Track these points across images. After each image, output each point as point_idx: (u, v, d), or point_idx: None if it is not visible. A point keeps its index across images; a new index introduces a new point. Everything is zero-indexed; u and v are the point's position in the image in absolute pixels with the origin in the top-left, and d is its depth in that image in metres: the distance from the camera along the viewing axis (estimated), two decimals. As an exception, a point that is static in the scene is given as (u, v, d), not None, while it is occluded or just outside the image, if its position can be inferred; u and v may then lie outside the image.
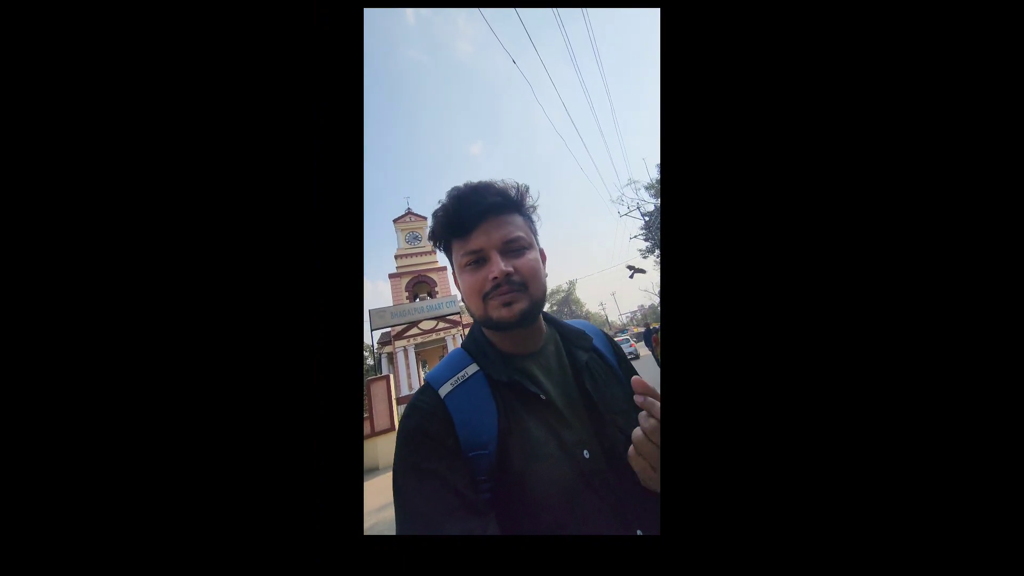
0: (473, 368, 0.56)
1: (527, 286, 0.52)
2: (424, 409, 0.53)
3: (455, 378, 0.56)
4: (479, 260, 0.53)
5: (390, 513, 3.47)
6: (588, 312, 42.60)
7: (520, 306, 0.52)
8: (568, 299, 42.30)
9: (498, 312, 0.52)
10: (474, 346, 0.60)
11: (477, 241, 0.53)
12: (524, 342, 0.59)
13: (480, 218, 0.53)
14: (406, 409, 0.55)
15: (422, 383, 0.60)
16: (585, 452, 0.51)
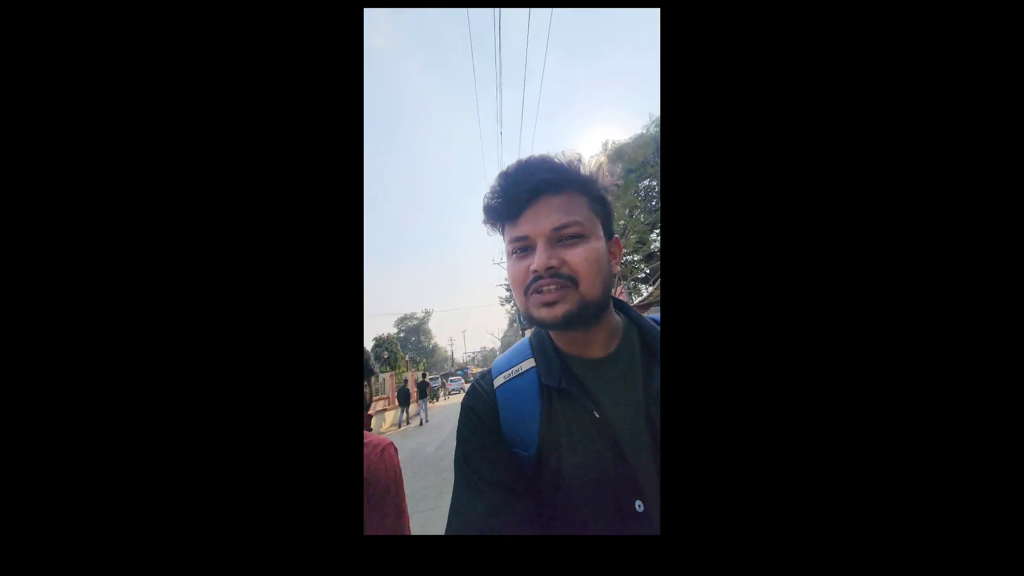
0: (529, 364, 0.52)
1: (577, 282, 0.44)
2: (479, 393, 0.53)
3: (510, 371, 0.52)
4: (526, 248, 0.47)
5: None
6: (436, 345, 42.19)
7: (564, 308, 0.44)
8: (419, 328, 40.97)
9: (538, 312, 0.46)
10: (535, 340, 0.54)
11: (524, 226, 0.46)
12: (587, 345, 0.50)
13: (530, 198, 0.46)
14: (469, 387, 0.55)
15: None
16: (638, 504, 0.42)
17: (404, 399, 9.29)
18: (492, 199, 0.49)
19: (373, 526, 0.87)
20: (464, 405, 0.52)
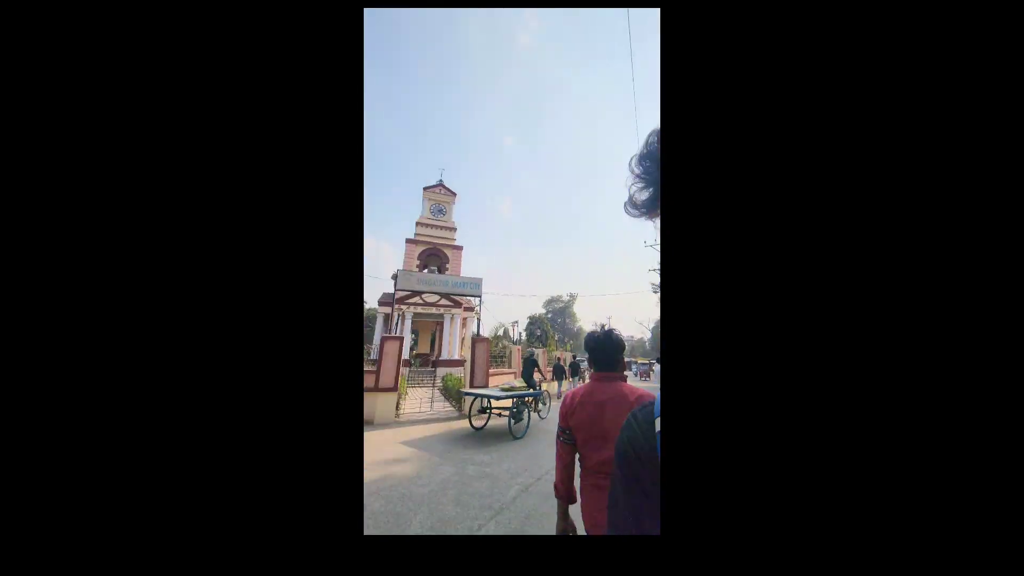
0: None
1: None
2: (635, 426, 0.45)
3: None
4: None
5: (382, 470, 3.54)
6: (580, 328, 42.84)
7: None
8: (566, 311, 42.48)
9: None
10: None
11: None
12: None
13: None
14: (629, 415, 0.48)
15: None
16: None
17: (559, 375, 10.65)
18: (636, 188, 0.42)
19: None
20: (621, 436, 0.45)
